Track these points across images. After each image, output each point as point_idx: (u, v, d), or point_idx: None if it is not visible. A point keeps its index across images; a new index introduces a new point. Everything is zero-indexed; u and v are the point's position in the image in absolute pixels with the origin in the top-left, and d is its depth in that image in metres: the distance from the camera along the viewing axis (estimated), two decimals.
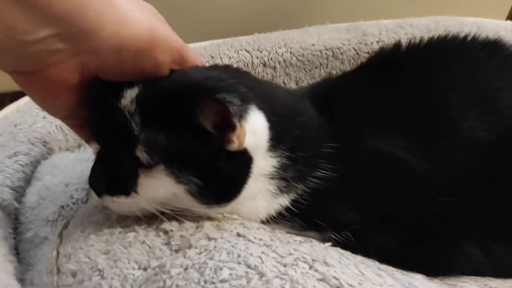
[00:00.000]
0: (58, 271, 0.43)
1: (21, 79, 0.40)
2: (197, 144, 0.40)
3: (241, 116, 0.39)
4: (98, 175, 0.43)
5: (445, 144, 0.49)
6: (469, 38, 0.55)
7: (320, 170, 0.46)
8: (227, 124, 0.39)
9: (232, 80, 0.42)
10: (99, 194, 0.43)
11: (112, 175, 0.42)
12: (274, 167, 0.45)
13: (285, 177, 0.46)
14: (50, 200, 0.55)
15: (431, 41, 0.56)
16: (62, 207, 0.53)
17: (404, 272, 0.47)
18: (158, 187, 0.41)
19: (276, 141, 0.45)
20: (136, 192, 0.42)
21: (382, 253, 0.47)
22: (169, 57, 0.42)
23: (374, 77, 0.57)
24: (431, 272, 0.48)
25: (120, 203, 0.43)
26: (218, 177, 0.42)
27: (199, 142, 0.40)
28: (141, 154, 0.40)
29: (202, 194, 0.41)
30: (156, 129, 0.40)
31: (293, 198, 0.47)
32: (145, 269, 0.40)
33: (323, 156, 0.47)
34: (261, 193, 0.45)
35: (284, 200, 0.46)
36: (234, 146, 0.40)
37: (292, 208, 0.46)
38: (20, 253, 0.52)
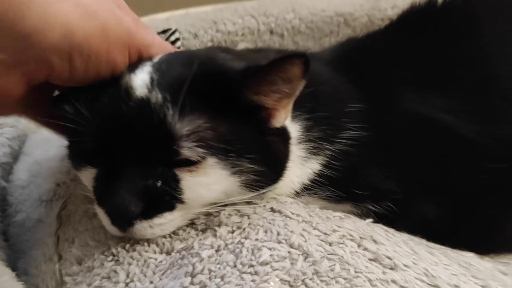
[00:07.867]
0: (60, 257, 0.36)
1: None
2: (242, 127, 0.35)
3: None
4: (119, 200, 0.31)
5: (495, 104, 0.45)
6: None
7: (347, 132, 0.43)
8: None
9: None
10: (128, 224, 0.32)
11: (140, 194, 0.32)
12: (299, 131, 0.42)
13: (311, 138, 0.43)
14: (44, 178, 0.47)
15: None
16: (58, 184, 0.45)
17: (454, 250, 0.42)
18: (211, 184, 0.34)
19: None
20: (181, 201, 0.33)
21: (428, 225, 0.43)
22: (125, 57, 0.36)
23: (406, 35, 0.52)
24: (482, 247, 0.44)
25: (163, 225, 0.33)
26: (270, 156, 0.37)
27: (244, 124, 0.35)
28: (188, 151, 0.32)
29: (257, 180, 0.36)
30: (198, 118, 0.32)
31: (324, 161, 0.43)
32: (168, 252, 0.33)
33: (349, 116, 0.44)
34: (293, 160, 0.41)
35: (315, 164, 0.43)
36: (281, 119, 0.37)
37: (325, 173, 0.42)
38: (9, 239, 0.45)
